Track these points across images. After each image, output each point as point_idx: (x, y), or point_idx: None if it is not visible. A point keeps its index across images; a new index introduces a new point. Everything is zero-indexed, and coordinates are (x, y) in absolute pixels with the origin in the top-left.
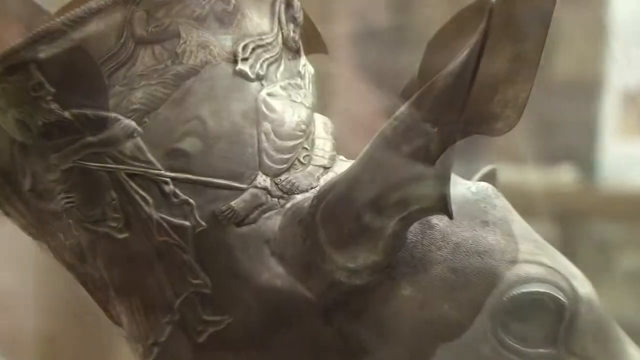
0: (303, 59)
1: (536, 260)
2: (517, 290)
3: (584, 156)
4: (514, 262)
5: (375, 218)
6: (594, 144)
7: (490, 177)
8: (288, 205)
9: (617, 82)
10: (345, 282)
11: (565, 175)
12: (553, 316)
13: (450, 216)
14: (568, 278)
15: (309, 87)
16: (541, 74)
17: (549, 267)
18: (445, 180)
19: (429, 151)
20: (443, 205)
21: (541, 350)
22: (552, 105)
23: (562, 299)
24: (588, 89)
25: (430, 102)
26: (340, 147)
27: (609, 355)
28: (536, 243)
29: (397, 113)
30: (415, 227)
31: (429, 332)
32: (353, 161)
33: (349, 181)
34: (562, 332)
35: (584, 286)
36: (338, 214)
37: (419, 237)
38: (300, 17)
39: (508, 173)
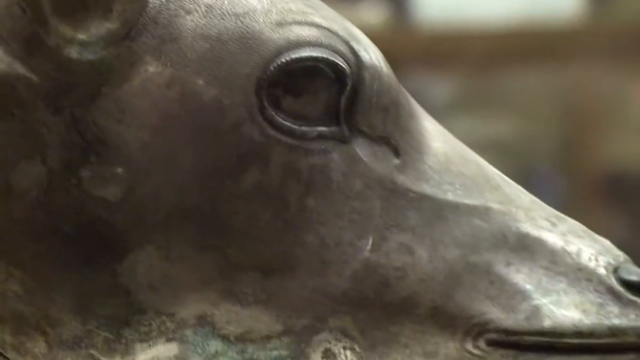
0: None
1: (308, 20)
2: (286, 57)
3: None
4: (281, 24)
5: None
6: None
7: None
8: None
9: None
10: (76, 58)
11: (370, 13)
12: (332, 86)
13: None
14: (348, 41)
15: None
16: None
17: (325, 28)
18: None
19: None
20: None
21: (320, 129)
22: None
23: (342, 64)
24: None
25: None
26: None
27: (402, 132)
28: (308, 1)
29: None
30: None
31: (180, 114)
32: None
33: None
34: (343, 105)
35: (368, 51)
36: None
37: None
38: None
39: None
